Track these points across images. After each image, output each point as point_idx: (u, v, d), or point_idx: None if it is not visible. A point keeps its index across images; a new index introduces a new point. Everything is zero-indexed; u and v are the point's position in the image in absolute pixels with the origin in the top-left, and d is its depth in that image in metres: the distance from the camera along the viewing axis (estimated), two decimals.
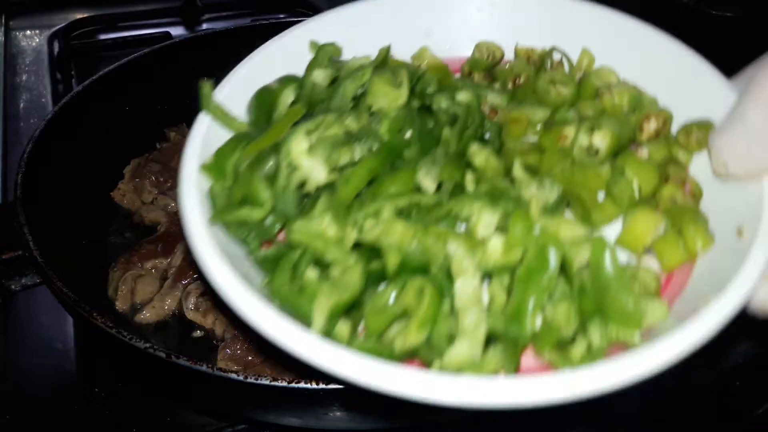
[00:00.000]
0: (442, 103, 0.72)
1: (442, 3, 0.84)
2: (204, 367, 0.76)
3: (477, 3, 0.84)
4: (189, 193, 0.63)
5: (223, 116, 0.69)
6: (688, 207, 0.69)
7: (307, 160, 0.62)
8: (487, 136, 0.75)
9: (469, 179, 0.66)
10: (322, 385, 0.74)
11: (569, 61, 0.83)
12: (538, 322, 0.59)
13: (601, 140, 0.71)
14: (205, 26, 1.82)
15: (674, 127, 0.75)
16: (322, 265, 0.62)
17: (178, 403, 0.97)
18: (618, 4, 0.82)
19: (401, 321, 0.59)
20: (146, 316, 1.01)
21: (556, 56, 0.83)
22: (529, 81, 0.81)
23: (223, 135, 0.69)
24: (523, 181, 0.66)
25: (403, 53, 0.81)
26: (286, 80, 0.74)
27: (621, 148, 0.73)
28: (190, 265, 1.03)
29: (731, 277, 0.56)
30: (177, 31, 1.75)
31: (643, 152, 0.73)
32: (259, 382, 0.75)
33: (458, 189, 0.66)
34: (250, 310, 0.54)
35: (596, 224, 0.68)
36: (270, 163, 0.64)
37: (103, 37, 1.75)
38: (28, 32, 1.73)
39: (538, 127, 0.77)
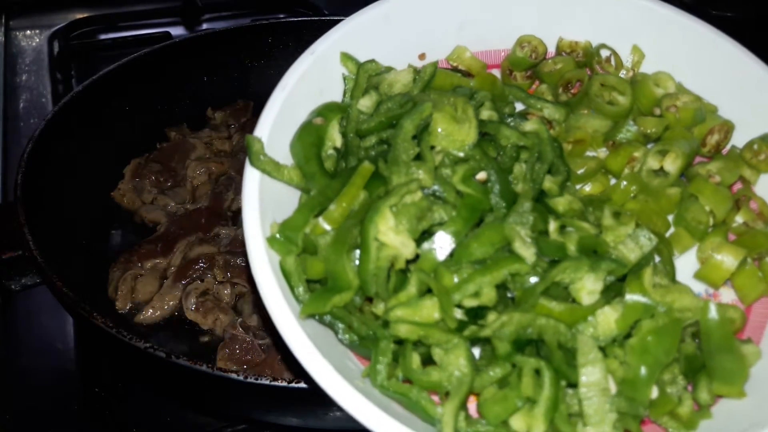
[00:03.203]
0: (510, 137, 0.67)
1: None
2: (204, 367, 0.76)
3: None
4: (266, 281, 0.58)
5: (272, 168, 0.63)
6: (761, 232, 0.68)
7: (396, 237, 0.58)
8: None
9: (553, 228, 0.63)
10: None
11: (618, 59, 0.78)
12: (654, 391, 0.59)
13: (672, 164, 0.70)
14: (205, 26, 1.82)
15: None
16: (422, 344, 0.59)
17: (178, 403, 0.97)
18: None
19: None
20: (146, 316, 1.01)
21: (603, 52, 0.78)
22: (583, 87, 0.77)
23: (276, 188, 0.64)
24: (612, 228, 0.63)
25: (436, 50, 0.76)
26: (327, 112, 0.68)
27: (687, 166, 0.72)
28: (190, 265, 1.04)
29: None
30: (177, 31, 1.75)
31: (716, 178, 0.71)
32: (259, 382, 0.75)
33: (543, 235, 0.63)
34: (361, 410, 0.53)
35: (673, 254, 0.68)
36: (353, 241, 0.59)
37: (103, 37, 1.75)
38: (28, 32, 1.73)
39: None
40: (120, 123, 1.26)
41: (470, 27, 0.77)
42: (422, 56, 0.77)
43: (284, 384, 0.75)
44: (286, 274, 0.60)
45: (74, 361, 1.00)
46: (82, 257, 1.05)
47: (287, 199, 0.66)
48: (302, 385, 0.74)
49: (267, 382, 0.75)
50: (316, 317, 0.59)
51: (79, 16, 1.77)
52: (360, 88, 0.70)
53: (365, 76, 0.70)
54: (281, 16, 1.84)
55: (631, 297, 0.59)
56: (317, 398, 0.76)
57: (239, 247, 1.06)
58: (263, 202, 0.62)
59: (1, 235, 0.98)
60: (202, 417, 0.95)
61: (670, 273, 0.65)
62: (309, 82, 0.69)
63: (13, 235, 0.93)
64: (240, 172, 1.19)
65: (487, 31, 0.78)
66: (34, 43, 1.69)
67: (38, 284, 1.03)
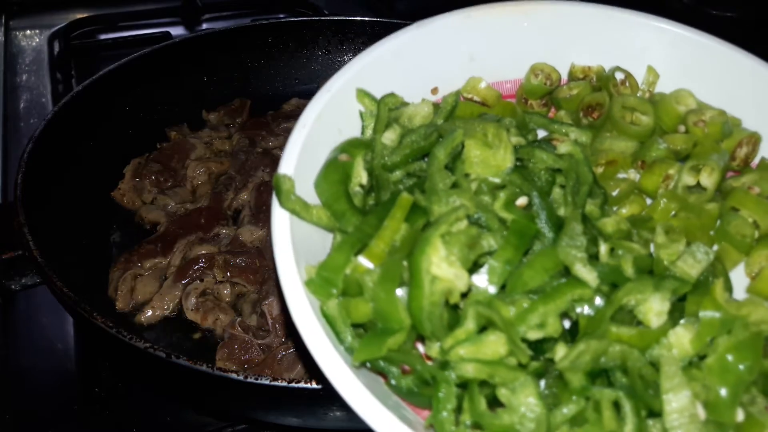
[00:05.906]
0: (546, 160, 0.64)
1: (483, 25, 0.76)
2: (204, 367, 0.76)
3: (519, 22, 0.77)
4: (311, 330, 0.54)
5: (302, 208, 0.60)
6: None
7: (449, 268, 0.54)
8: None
9: (604, 250, 0.61)
10: (321, 385, 0.74)
11: (633, 81, 0.78)
12: (740, 414, 0.56)
13: (708, 178, 0.69)
14: (205, 26, 1.83)
15: None
16: (486, 386, 0.55)
17: (178, 403, 0.97)
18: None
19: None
20: (146, 316, 1.01)
21: (618, 75, 0.78)
22: (606, 110, 0.76)
23: (304, 229, 0.61)
24: (665, 245, 0.61)
25: (449, 83, 0.76)
26: (351, 148, 0.66)
27: (722, 180, 0.71)
28: (190, 265, 1.04)
29: None
30: (177, 31, 1.76)
31: (755, 189, 0.70)
32: (259, 382, 0.75)
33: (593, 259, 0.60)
34: None
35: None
36: (403, 277, 0.55)
37: (103, 37, 1.75)
38: (28, 32, 1.74)
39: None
40: (120, 123, 1.26)
41: (481, 58, 0.77)
42: (435, 90, 0.77)
43: (284, 384, 0.75)
44: (329, 320, 0.56)
45: (74, 361, 1.00)
46: (82, 257, 1.05)
47: (316, 241, 0.63)
48: (302, 385, 0.74)
49: (267, 382, 0.75)
50: (368, 364, 0.56)
51: (79, 16, 1.77)
52: (382, 122, 0.68)
53: (386, 109, 0.69)
54: (281, 16, 1.85)
55: (705, 313, 0.56)
56: (317, 398, 0.76)
57: (239, 247, 1.06)
58: (296, 245, 0.58)
59: (1, 235, 0.98)
60: (202, 417, 0.96)
61: (729, 288, 0.64)
62: (327, 120, 0.67)
63: (13, 235, 0.93)
64: (240, 171, 1.21)
65: (498, 61, 0.78)
66: (34, 43, 1.69)
67: (38, 284, 1.03)
